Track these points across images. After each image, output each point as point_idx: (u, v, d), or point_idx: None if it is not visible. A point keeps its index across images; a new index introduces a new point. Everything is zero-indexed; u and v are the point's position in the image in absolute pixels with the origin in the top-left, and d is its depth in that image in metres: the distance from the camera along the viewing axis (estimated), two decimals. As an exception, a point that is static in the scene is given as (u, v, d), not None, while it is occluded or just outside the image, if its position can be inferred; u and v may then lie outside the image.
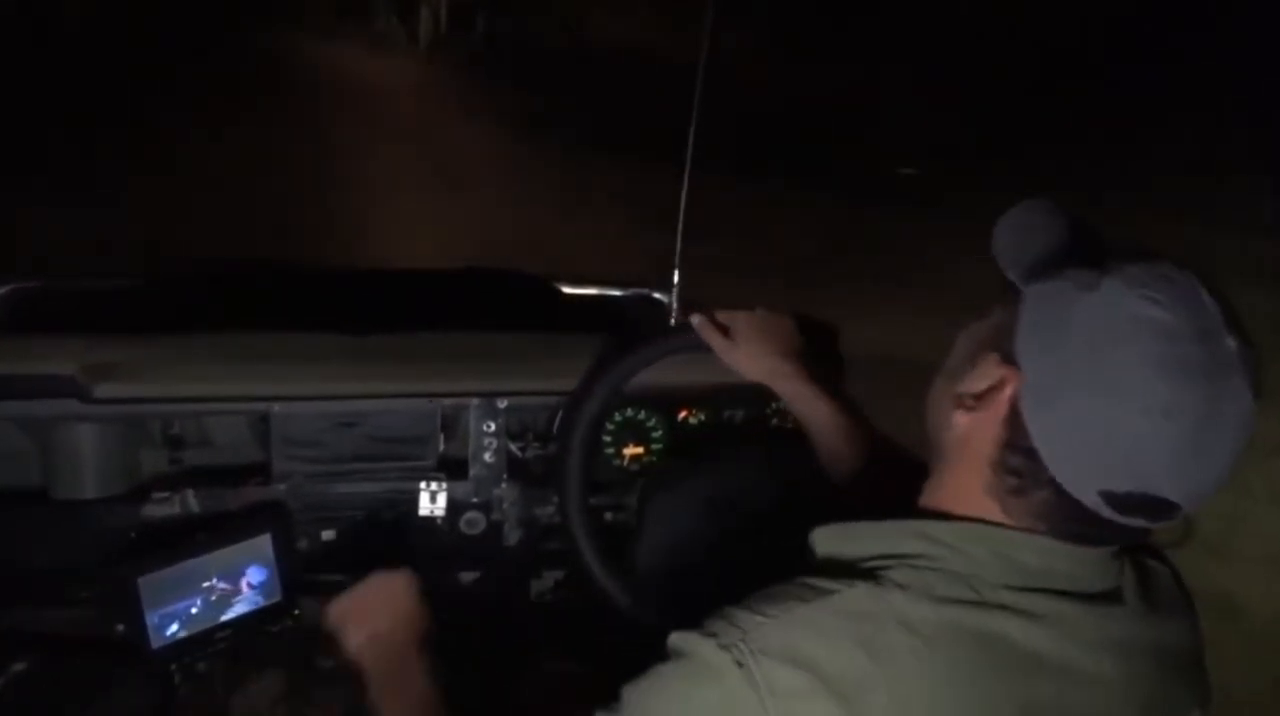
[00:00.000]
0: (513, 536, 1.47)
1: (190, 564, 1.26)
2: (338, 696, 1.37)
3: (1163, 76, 8.77)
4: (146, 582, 1.23)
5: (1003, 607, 0.71)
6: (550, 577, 1.55)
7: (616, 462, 1.52)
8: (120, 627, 1.26)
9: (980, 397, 0.75)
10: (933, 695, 0.69)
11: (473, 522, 1.45)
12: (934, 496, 0.80)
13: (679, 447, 1.52)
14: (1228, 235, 5.97)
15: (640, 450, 1.53)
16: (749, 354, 1.23)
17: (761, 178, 6.85)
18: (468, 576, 1.53)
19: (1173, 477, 0.68)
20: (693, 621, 0.74)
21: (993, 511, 0.75)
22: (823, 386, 1.20)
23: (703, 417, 1.54)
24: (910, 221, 6.29)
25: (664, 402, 1.52)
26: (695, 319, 1.25)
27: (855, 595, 0.71)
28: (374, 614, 1.20)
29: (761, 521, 1.14)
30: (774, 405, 1.53)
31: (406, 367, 1.43)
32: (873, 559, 0.75)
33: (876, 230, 6.21)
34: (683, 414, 1.54)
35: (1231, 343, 0.68)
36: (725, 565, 0.90)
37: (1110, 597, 0.76)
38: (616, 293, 2.10)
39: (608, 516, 1.48)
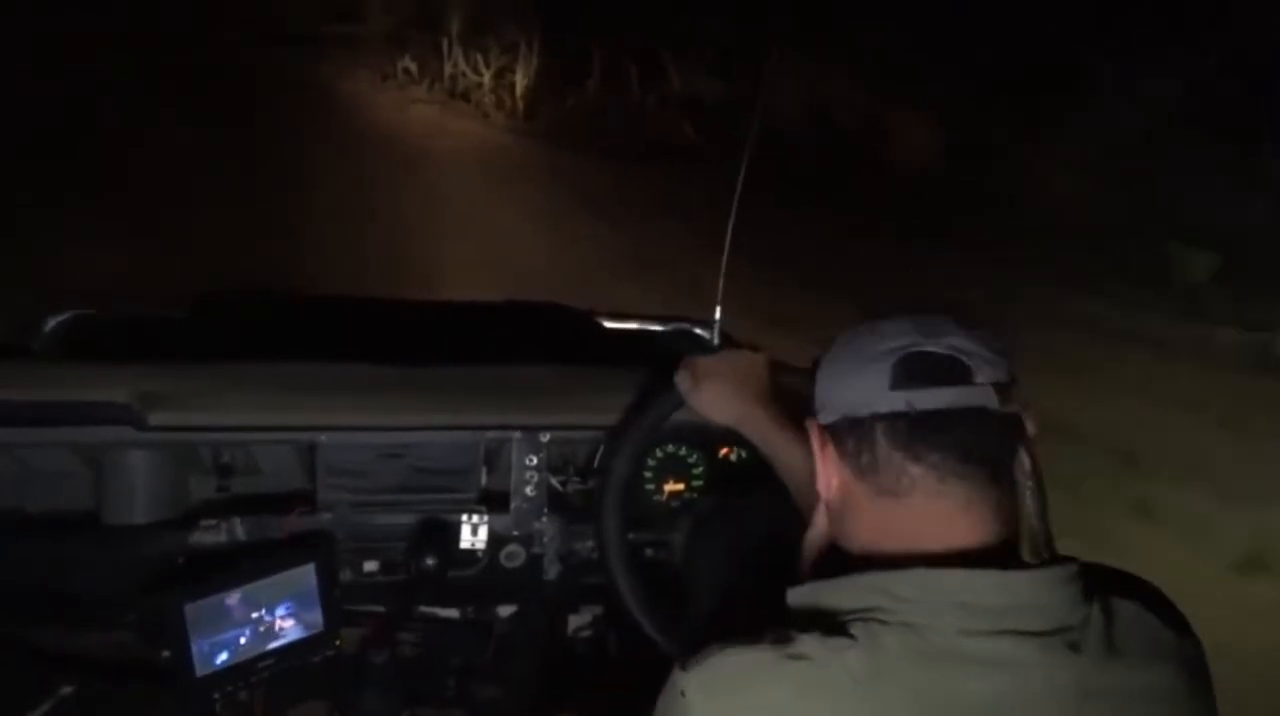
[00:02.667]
0: (552, 570, 1.47)
1: (236, 592, 1.27)
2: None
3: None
4: (193, 610, 1.24)
5: (955, 657, 0.74)
6: (589, 612, 1.55)
7: (657, 498, 1.52)
8: (165, 654, 1.27)
9: (823, 473, 0.88)
10: None
11: (513, 556, 1.45)
12: (853, 544, 0.86)
13: (720, 484, 1.52)
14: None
15: (680, 486, 1.52)
16: (714, 398, 1.21)
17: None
18: (506, 610, 1.53)
19: (905, 330, 0.82)
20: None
21: (892, 507, 0.81)
22: (793, 429, 1.15)
23: (743, 454, 1.54)
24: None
25: (705, 438, 1.51)
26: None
27: (807, 641, 0.76)
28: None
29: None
30: None
31: (451, 400, 1.44)
32: (840, 613, 0.78)
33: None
34: (724, 451, 1.53)
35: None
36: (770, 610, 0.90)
37: (1067, 635, 0.76)
38: (658, 327, 2.11)
39: (648, 552, 1.48)
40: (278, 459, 1.43)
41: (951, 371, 0.79)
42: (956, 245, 6.48)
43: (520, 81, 10.24)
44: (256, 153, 7.15)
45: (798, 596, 0.83)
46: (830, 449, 0.86)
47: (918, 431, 0.79)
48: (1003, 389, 0.80)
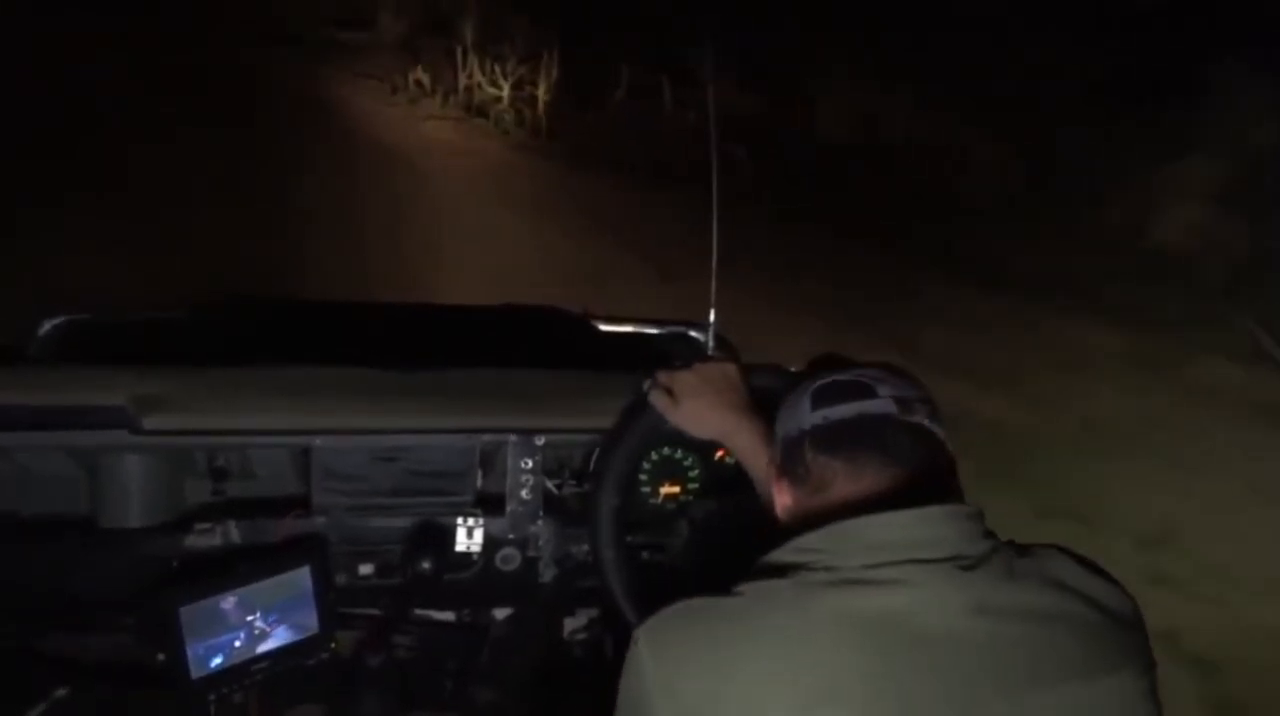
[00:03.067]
0: (547, 573, 1.47)
1: (231, 595, 1.27)
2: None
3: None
4: (188, 612, 1.24)
5: (860, 582, 0.86)
6: (584, 615, 1.55)
7: (653, 502, 1.52)
8: (161, 656, 1.27)
9: (779, 502, 1.03)
10: (790, 652, 0.84)
11: (508, 559, 1.45)
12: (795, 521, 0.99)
13: (715, 487, 1.52)
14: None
15: (677, 489, 1.53)
16: (692, 413, 1.25)
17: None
18: (502, 612, 1.53)
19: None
20: None
21: (827, 498, 0.95)
22: (768, 439, 1.16)
23: None
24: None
25: (700, 441, 1.51)
26: (646, 384, 1.29)
27: (742, 586, 0.91)
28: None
29: None
30: None
31: (446, 403, 1.44)
32: (773, 571, 0.91)
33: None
34: (719, 453, 1.54)
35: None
36: None
37: (962, 561, 0.87)
38: (653, 330, 2.12)
39: (644, 555, 1.48)
40: (273, 462, 1.43)
41: (856, 389, 0.98)
42: (1097, 309, 5.40)
43: (542, 94, 9.35)
44: (248, 179, 6.31)
45: (749, 572, 0.94)
46: (783, 479, 1.02)
47: (835, 435, 0.96)
48: (903, 402, 0.96)
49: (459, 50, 9.94)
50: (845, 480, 0.95)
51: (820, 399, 0.98)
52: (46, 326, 1.83)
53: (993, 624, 0.85)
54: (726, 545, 1.37)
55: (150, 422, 1.31)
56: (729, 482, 1.53)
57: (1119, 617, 0.91)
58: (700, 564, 1.45)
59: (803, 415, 0.99)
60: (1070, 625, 0.87)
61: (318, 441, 1.37)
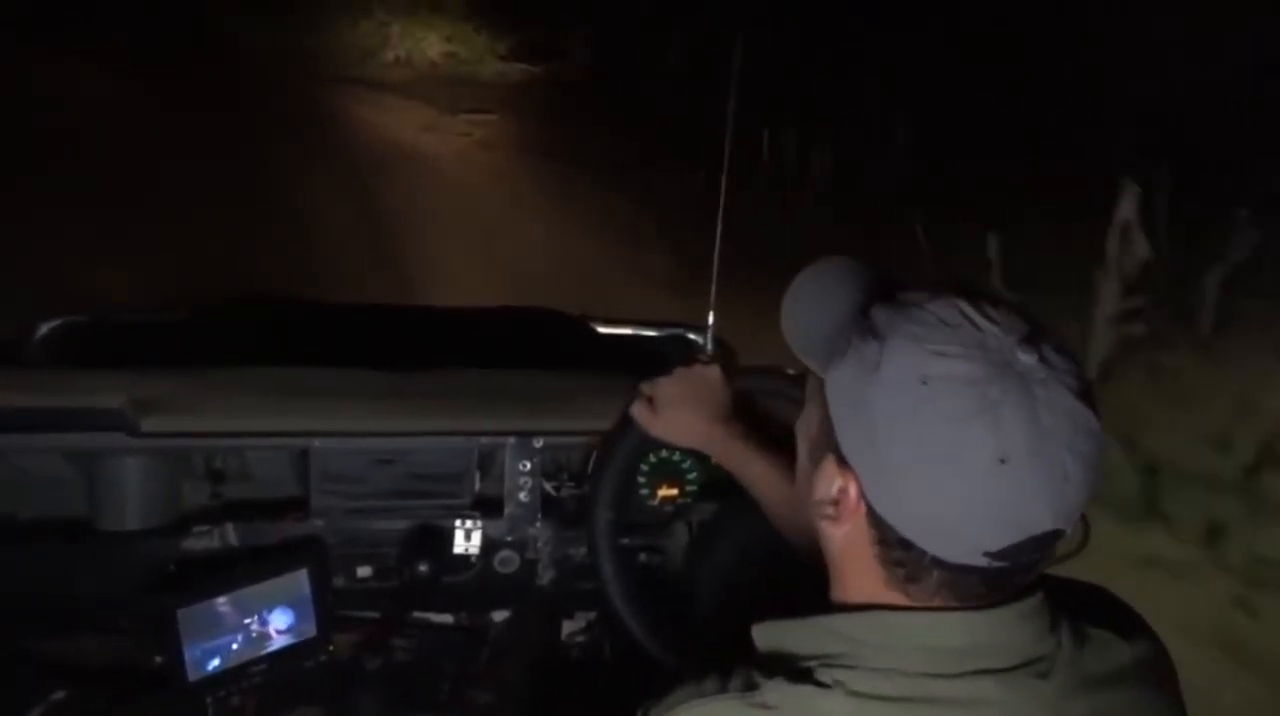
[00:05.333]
0: (546, 575, 1.47)
1: (229, 597, 1.27)
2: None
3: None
4: (185, 615, 1.24)
5: (922, 700, 0.71)
6: (583, 617, 1.55)
7: (651, 503, 1.52)
8: (158, 659, 1.27)
9: (836, 505, 0.75)
10: None
11: (506, 561, 1.45)
12: (842, 593, 0.79)
13: (714, 488, 1.52)
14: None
15: (674, 491, 1.53)
16: (672, 423, 1.21)
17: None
18: (500, 615, 1.53)
19: (1038, 509, 0.68)
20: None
21: (901, 600, 0.74)
22: (754, 444, 1.14)
23: None
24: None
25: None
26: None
27: (773, 690, 0.72)
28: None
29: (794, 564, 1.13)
30: None
31: (444, 406, 1.44)
32: (804, 658, 0.74)
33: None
34: None
35: (1025, 358, 0.68)
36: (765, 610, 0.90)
37: (1036, 666, 0.73)
38: (651, 333, 2.12)
39: (641, 557, 1.48)
40: (271, 465, 1.44)
41: (1040, 545, 0.70)
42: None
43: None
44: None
45: (762, 636, 0.79)
46: (866, 518, 0.74)
47: (965, 570, 0.72)
48: None
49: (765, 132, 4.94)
50: (943, 596, 0.73)
51: (1000, 552, 0.69)
52: (43, 328, 1.83)
53: None
54: (725, 547, 1.38)
55: (148, 425, 1.31)
56: (727, 484, 1.53)
57: (1169, 686, 0.83)
58: (698, 566, 1.45)
59: (958, 548, 0.70)
60: None
61: (316, 444, 1.38)
